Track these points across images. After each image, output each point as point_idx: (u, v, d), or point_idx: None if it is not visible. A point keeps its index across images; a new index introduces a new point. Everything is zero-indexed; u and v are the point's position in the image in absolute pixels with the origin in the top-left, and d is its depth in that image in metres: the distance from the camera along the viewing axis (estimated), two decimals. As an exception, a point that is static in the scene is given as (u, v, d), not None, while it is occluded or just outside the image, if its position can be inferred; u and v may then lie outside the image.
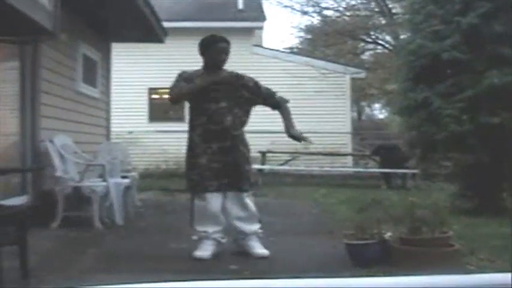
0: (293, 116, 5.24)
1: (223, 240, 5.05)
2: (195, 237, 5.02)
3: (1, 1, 4.46)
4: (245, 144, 5.11)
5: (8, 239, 3.95)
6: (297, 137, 5.14)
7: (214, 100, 4.97)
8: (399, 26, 17.58)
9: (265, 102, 5.20)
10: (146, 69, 14.59)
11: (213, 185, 4.92)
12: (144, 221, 7.15)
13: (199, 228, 4.98)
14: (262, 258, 4.88)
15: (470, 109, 7.25)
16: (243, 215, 5.03)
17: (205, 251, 4.90)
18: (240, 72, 5.22)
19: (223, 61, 5.10)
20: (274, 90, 5.30)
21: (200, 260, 4.81)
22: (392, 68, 15.33)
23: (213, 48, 5.08)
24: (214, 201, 4.96)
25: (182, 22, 14.32)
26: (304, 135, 5.22)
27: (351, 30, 21.53)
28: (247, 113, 5.15)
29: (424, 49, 7.68)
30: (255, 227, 5.07)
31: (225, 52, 5.09)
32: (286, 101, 5.29)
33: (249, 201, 5.08)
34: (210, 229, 4.95)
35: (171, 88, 5.18)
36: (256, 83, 5.19)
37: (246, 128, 5.18)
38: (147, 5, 8.41)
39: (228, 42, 5.13)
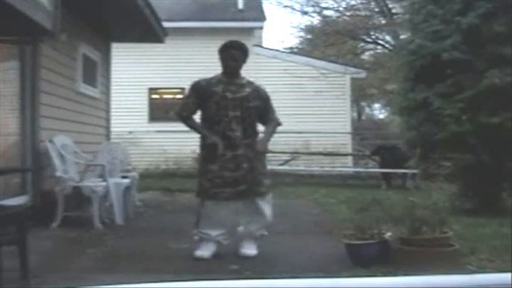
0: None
1: (225, 242, 5.06)
2: (196, 237, 5.02)
3: (1, 1, 4.46)
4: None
5: (8, 239, 3.95)
6: (259, 152, 5.07)
7: (232, 108, 4.96)
8: (399, 26, 17.58)
9: (263, 116, 5.17)
10: (146, 69, 14.59)
11: (225, 192, 4.91)
12: (144, 221, 7.15)
13: (203, 230, 4.98)
14: (250, 258, 4.88)
15: (470, 109, 7.25)
16: (254, 218, 5.07)
17: (206, 250, 4.91)
18: (243, 74, 5.20)
19: (232, 68, 5.06)
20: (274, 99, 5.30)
21: (200, 259, 4.82)
22: (392, 68, 15.33)
23: (222, 55, 5.09)
24: (223, 208, 4.97)
25: (182, 22, 14.32)
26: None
27: (351, 30, 21.52)
28: (256, 122, 5.17)
29: (424, 49, 7.68)
30: (259, 228, 5.08)
31: (233, 58, 5.03)
32: (279, 124, 5.29)
33: (264, 205, 5.08)
34: (213, 233, 4.97)
35: (180, 105, 5.22)
36: (268, 98, 5.22)
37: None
38: (147, 5, 8.41)
39: (238, 48, 5.10)
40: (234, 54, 5.05)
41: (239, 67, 5.10)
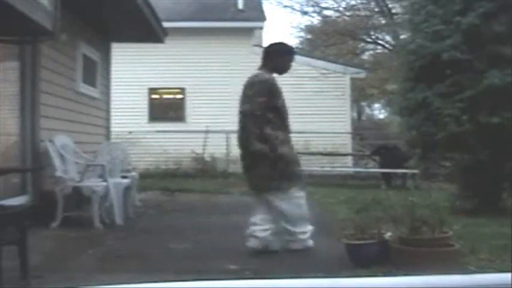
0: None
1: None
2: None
3: (1, 1, 4.46)
4: None
5: (8, 239, 3.95)
6: None
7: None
8: (399, 26, 17.59)
9: None
10: (146, 69, 14.58)
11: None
12: (143, 221, 7.15)
13: (302, 229, 5.19)
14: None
15: (470, 109, 7.24)
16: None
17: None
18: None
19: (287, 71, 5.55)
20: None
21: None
22: (392, 68, 15.34)
23: (288, 57, 5.60)
24: None
25: (182, 22, 14.31)
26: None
27: (351, 30, 21.56)
28: None
29: (424, 49, 7.67)
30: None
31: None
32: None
33: None
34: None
35: (253, 104, 5.12)
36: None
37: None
38: (147, 5, 8.40)
39: None
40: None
41: None
